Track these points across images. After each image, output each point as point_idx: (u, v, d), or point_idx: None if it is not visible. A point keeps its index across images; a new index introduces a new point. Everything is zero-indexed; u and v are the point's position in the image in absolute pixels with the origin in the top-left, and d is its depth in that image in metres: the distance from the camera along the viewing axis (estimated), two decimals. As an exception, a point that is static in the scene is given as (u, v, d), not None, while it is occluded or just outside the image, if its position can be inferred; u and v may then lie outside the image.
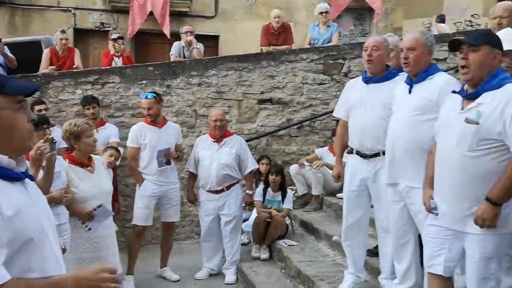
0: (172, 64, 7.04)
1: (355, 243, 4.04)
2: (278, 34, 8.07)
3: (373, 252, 4.35)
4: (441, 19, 10.65)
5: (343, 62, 7.36)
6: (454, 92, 2.92)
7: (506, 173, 2.60)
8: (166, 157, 5.28)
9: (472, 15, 12.40)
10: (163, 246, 5.64)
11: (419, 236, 3.38)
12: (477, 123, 2.64)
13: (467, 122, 2.68)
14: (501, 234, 2.69)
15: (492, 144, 2.64)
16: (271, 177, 5.84)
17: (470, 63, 2.70)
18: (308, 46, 8.02)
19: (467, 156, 2.69)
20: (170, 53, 7.72)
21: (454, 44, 2.82)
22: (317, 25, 8.31)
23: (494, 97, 2.65)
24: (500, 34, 3.16)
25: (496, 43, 2.74)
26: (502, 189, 2.60)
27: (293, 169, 6.54)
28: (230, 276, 5.41)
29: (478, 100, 2.71)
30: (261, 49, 8.01)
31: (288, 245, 5.44)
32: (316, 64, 7.29)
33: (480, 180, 2.68)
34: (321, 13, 8.18)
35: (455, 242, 2.87)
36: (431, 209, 3.00)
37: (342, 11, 10.69)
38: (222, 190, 5.40)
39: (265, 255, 5.53)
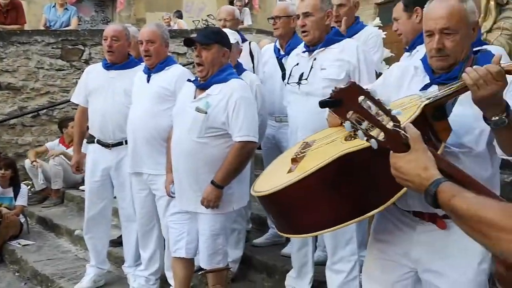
0: None
1: (97, 235, 3.93)
2: (6, 12, 7.22)
3: (117, 242, 4.32)
4: (179, 15, 11.20)
5: (83, 48, 7.04)
6: (189, 80, 3.10)
7: (227, 159, 2.88)
8: None
9: (208, 15, 13.38)
10: None
11: None
12: (206, 113, 2.87)
13: (197, 111, 2.88)
14: (226, 213, 2.98)
15: (218, 132, 2.90)
16: None
17: (204, 60, 2.91)
18: (44, 28, 7.41)
19: (197, 142, 2.89)
20: None
21: (189, 42, 2.99)
22: (53, 6, 7.75)
23: (222, 90, 2.90)
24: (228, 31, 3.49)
25: (225, 41, 3.01)
26: (224, 173, 2.87)
27: (27, 162, 5.99)
28: None
29: (207, 91, 2.93)
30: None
31: (23, 245, 4.96)
32: (53, 48, 6.79)
33: (208, 165, 2.91)
34: (59, -6, 7.66)
35: (193, 224, 3.09)
36: (170, 193, 3.16)
37: (83, -5, 10.22)
38: None
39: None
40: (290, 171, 1.87)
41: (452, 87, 1.72)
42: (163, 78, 3.41)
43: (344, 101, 1.28)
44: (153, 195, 3.49)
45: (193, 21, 13.03)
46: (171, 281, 3.39)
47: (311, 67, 2.97)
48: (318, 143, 1.99)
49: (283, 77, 3.55)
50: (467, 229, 1.06)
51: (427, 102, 1.73)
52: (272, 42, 4.39)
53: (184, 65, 4.81)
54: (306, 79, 2.97)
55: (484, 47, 2.13)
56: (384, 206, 1.73)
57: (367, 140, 1.32)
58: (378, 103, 1.29)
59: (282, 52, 3.77)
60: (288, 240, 3.82)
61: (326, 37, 2.99)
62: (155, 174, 3.40)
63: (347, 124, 1.31)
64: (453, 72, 1.87)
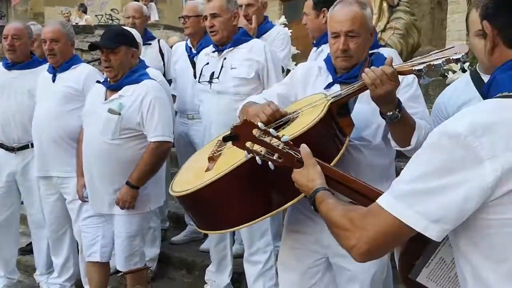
0: None
1: (5, 244, 3.73)
2: None
3: (26, 250, 4.13)
4: (84, 9, 10.77)
5: (-24, 45, 6.54)
6: (98, 82, 3.05)
7: (143, 159, 2.88)
8: None
9: (112, 9, 12.98)
10: None
11: None
12: (119, 114, 2.85)
13: (110, 112, 2.86)
14: (143, 213, 2.99)
15: (133, 133, 2.89)
16: None
17: (113, 63, 2.87)
18: None
19: (110, 144, 2.87)
20: None
21: (94, 47, 2.95)
22: None
23: (134, 91, 2.89)
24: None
25: (131, 41, 2.98)
26: (140, 173, 2.87)
27: None
28: None
29: (120, 92, 2.91)
30: None
31: None
32: None
33: (122, 166, 2.89)
34: None
35: (108, 227, 3.06)
36: (83, 197, 3.10)
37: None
38: None
39: None
40: (208, 169, 1.93)
41: (354, 86, 1.88)
42: (70, 77, 3.32)
43: (240, 136, 1.53)
44: (63, 199, 3.39)
45: (96, 15, 12.58)
46: (86, 286, 3.33)
47: (222, 67, 3.05)
48: None
49: (195, 75, 3.58)
50: (328, 228, 1.28)
51: (332, 100, 1.88)
52: (181, 38, 4.41)
53: (88, 62, 4.69)
54: (217, 78, 3.04)
55: (377, 50, 2.33)
56: (296, 199, 1.85)
57: (263, 162, 1.54)
58: (269, 133, 1.52)
59: (194, 51, 3.79)
60: (206, 235, 3.88)
61: (234, 37, 3.08)
62: (64, 177, 3.31)
63: (245, 153, 1.55)
64: (353, 72, 2.05)
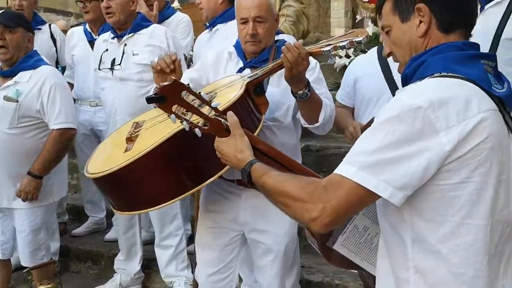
0: None
1: None
2: None
3: None
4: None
5: None
6: None
7: (45, 147, 2.76)
8: None
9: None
10: None
11: None
12: (17, 101, 2.70)
13: (6, 100, 2.70)
14: (46, 205, 2.88)
15: (33, 121, 2.76)
16: None
17: (8, 43, 2.71)
18: None
19: (8, 134, 2.72)
20: None
21: None
22: None
23: (32, 77, 2.76)
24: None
25: (29, 26, 2.86)
26: (42, 163, 2.76)
27: None
28: None
29: (15, 79, 2.76)
30: None
31: None
32: None
33: (23, 157, 2.76)
34: None
35: (7, 223, 2.90)
36: None
37: None
38: None
39: None
40: (127, 150, 1.94)
41: (269, 66, 1.99)
42: None
43: (168, 97, 1.40)
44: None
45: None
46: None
47: (123, 53, 3.00)
48: (150, 122, 2.10)
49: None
50: (272, 200, 1.29)
51: (249, 80, 1.98)
52: (68, 22, 4.21)
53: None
54: (119, 64, 2.99)
55: (279, 36, 2.48)
56: (216, 176, 1.91)
57: (190, 129, 1.47)
58: (199, 96, 1.45)
59: (95, 36, 3.64)
60: (110, 225, 3.82)
61: (133, 22, 3.04)
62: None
63: (172, 117, 1.44)
64: (262, 56, 2.17)
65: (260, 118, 2.03)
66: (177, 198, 1.96)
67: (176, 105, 1.42)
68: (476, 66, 1.18)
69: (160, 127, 2.00)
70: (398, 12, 1.25)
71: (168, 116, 1.44)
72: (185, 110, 1.44)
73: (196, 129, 1.47)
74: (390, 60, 2.24)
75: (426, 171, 1.09)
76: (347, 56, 4.36)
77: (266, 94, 2.07)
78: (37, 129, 2.78)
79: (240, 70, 2.21)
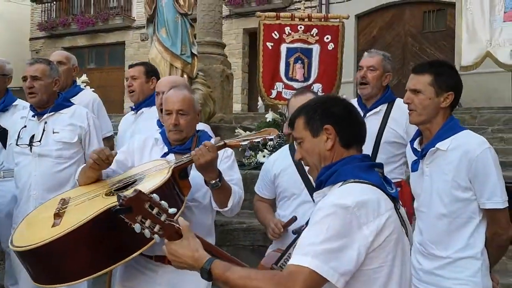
0: None
1: None
2: None
3: None
4: None
5: None
6: None
7: None
8: None
9: None
10: None
11: None
12: None
13: None
14: None
15: None
16: None
17: None
18: None
19: None
20: None
21: None
22: None
23: None
24: None
25: None
26: None
27: None
28: None
29: None
30: None
31: None
32: None
33: None
34: None
35: None
36: None
37: None
38: None
39: None
40: (54, 225, 2.05)
41: (189, 156, 2.25)
42: None
43: (134, 208, 1.50)
44: None
45: None
46: None
47: (44, 130, 3.10)
48: (78, 199, 2.24)
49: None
50: None
51: (175, 165, 2.22)
52: None
53: None
54: (39, 141, 3.07)
55: (201, 128, 2.77)
56: (140, 251, 2.07)
57: (151, 236, 1.54)
58: (159, 205, 1.55)
59: None
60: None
61: (56, 102, 3.18)
62: None
63: (137, 226, 1.51)
64: (186, 145, 2.46)
65: (183, 200, 2.27)
66: (99, 273, 2.06)
67: (141, 216, 1.51)
68: (374, 173, 1.56)
69: (89, 204, 2.16)
70: (309, 129, 1.61)
71: (132, 225, 1.52)
72: (142, 217, 1.52)
73: (155, 235, 1.54)
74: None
75: (359, 258, 1.41)
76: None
77: (189, 178, 2.33)
78: None
79: (165, 155, 2.46)
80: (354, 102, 3.24)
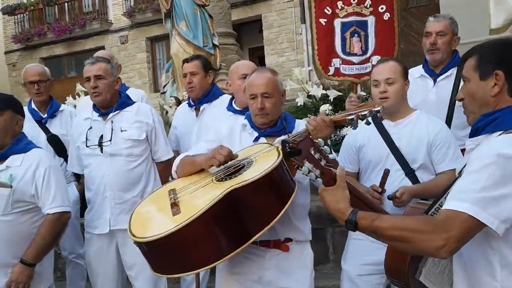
0: None
1: None
2: None
3: None
4: None
5: None
6: None
7: (40, 233, 2.64)
8: None
9: None
10: None
11: None
12: (11, 186, 2.59)
13: (0, 186, 2.57)
14: None
15: (26, 206, 2.65)
16: None
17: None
18: None
19: (1, 221, 2.57)
20: None
21: None
22: None
23: (24, 160, 2.67)
24: None
25: (19, 109, 2.78)
26: (37, 249, 2.63)
27: None
28: None
29: (6, 163, 2.65)
30: None
31: None
32: None
33: (15, 244, 2.61)
34: None
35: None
36: None
37: None
38: None
39: None
40: (175, 214, 1.99)
41: (298, 135, 2.20)
42: None
43: (302, 151, 1.63)
44: None
45: None
46: None
47: (112, 129, 3.04)
48: (188, 188, 2.19)
49: (49, 140, 3.62)
50: (387, 239, 1.49)
51: (292, 142, 2.17)
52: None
53: None
54: (109, 140, 3.01)
55: None
56: (261, 233, 2.02)
57: (316, 179, 1.66)
58: (321, 151, 1.68)
59: (42, 115, 3.73)
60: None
61: (119, 100, 3.11)
62: None
63: (305, 168, 1.64)
64: (278, 127, 2.41)
65: (294, 181, 2.24)
66: (224, 259, 2.00)
67: (306, 160, 1.62)
68: None
69: (205, 191, 2.11)
70: (479, 71, 1.56)
71: (300, 168, 1.62)
72: (306, 160, 1.64)
73: (318, 179, 1.66)
74: (388, 126, 2.66)
75: None
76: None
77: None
78: (29, 213, 2.66)
79: (257, 139, 2.42)
80: (420, 68, 3.30)
